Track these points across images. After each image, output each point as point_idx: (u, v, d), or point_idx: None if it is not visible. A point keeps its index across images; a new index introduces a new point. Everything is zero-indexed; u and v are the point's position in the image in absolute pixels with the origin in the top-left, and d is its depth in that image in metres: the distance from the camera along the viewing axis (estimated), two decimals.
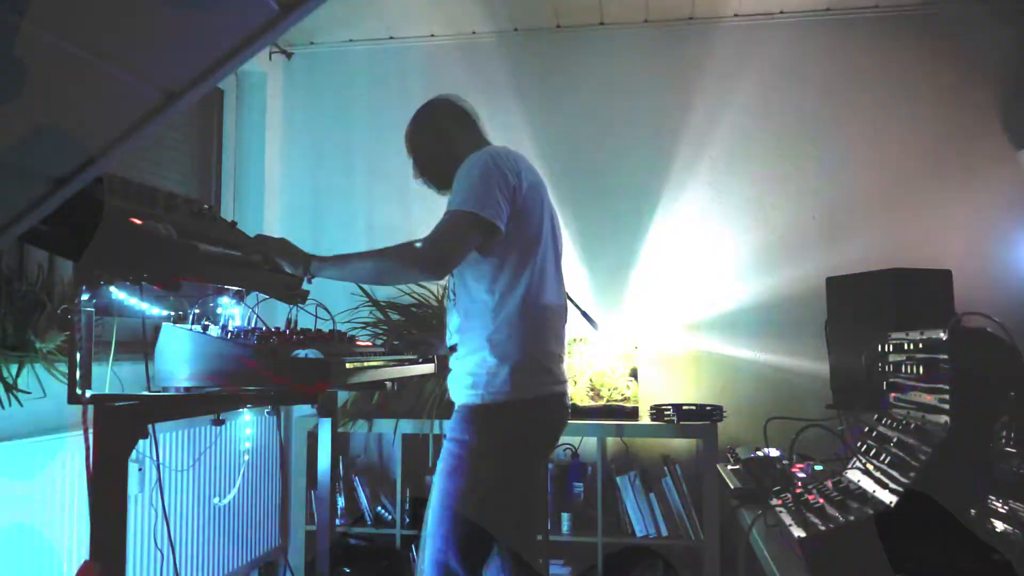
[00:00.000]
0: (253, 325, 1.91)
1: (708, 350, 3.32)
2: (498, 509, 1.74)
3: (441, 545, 1.72)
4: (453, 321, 1.88)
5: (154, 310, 1.74)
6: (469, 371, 1.80)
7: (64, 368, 2.12)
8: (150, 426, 1.49)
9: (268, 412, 2.87)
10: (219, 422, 2.10)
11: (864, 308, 2.56)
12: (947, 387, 1.33)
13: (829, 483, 1.52)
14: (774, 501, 1.59)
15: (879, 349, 1.61)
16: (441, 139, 1.96)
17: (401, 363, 2.03)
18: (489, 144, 1.97)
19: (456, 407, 1.83)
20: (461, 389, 1.82)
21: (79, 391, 1.47)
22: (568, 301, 2.30)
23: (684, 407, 2.99)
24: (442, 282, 2.75)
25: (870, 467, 1.45)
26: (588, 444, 3.24)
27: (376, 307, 3.26)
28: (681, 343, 3.34)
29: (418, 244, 1.72)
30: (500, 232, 1.73)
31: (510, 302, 1.78)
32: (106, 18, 0.57)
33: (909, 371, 1.45)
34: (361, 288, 3.26)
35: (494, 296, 1.79)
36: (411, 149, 2.02)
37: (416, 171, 2.02)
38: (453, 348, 1.87)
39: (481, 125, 2.02)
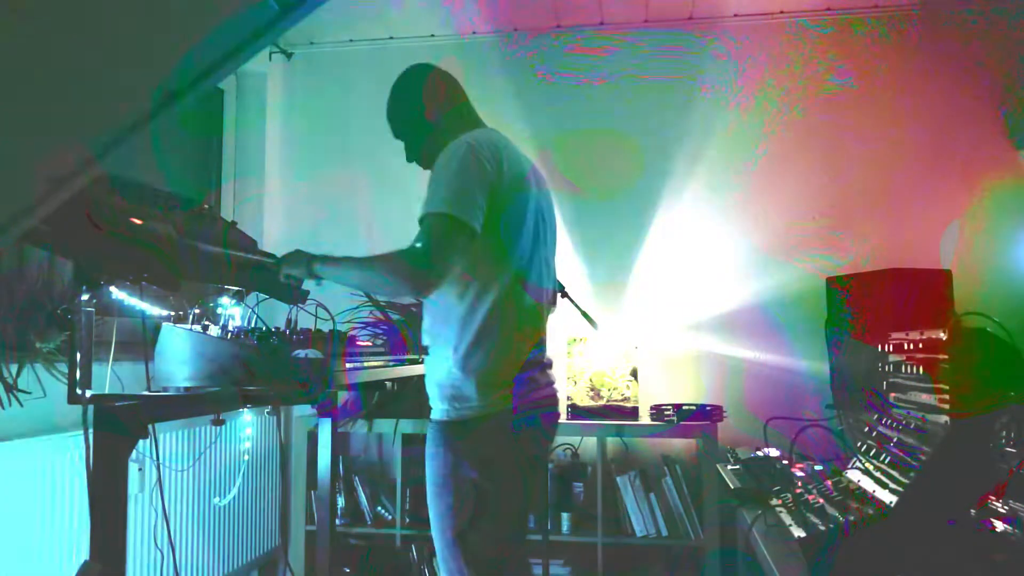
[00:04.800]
0: (253, 325, 1.91)
1: (708, 350, 3.32)
2: (486, 524, 1.64)
3: (453, 567, 1.65)
4: (425, 319, 1.77)
5: (154, 310, 1.74)
6: (437, 381, 1.70)
7: (64, 368, 2.12)
8: (150, 426, 1.49)
9: (268, 412, 2.87)
10: (219, 422, 2.10)
11: (864, 308, 2.56)
12: (947, 387, 1.33)
13: (829, 483, 1.53)
14: (774, 501, 1.59)
15: (879, 349, 1.61)
16: (424, 114, 1.81)
17: (401, 363, 2.03)
18: (478, 125, 1.83)
19: (429, 419, 1.73)
20: (431, 400, 1.73)
21: (79, 391, 1.47)
22: (569, 301, 2.27)
23: (684, 407, 2.99)
24: None
25: (870, 467, 1.45)
26: (588, 444, 3.24)
27: (376, 307, 3.26)
28: (681, 343, 3.34)
29: (404, 252, 1.58)
30: (476, 234, 1.59)
31: (481, 308, 1.65)
32: (106, 17, 0.57)
33: (909, 371, 1.45)
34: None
35: (463, 301, 1.65)
36: (395, 124, 1.88)
37: (406, 151, 1.88)
38: (425, 349, 1.77)
39: (466, 96, 1.87)
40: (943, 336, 1.36)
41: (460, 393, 1.66)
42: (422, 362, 1.85)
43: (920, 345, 1.44)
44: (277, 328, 1.86)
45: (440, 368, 1.70)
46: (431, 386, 1.73)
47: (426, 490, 1.70)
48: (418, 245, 1.57)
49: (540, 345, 1.80)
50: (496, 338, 1.66)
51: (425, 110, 1.83)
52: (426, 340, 1.77)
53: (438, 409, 1.71)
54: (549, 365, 1.83)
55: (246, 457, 2.98)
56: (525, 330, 1.74)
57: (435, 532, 1.69)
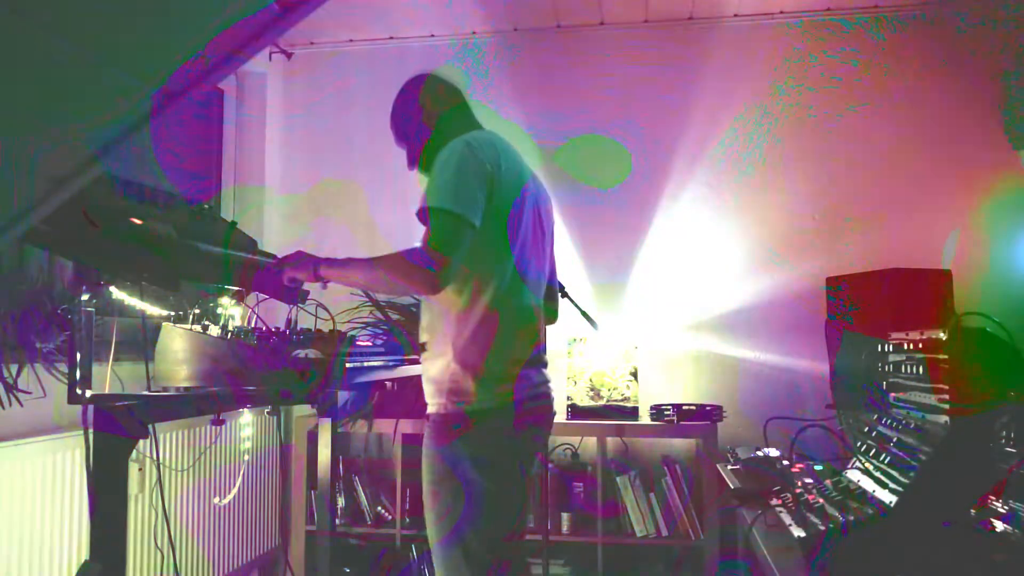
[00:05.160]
0: (253, 325, 1.91)
1: (708, 350, 3.32)
2: (484, 521, 1.64)
3: (451, 567, 1.64)
4: (423, 317, 1.78)
5: (154, 310, 1.74)
6: (435, 377, 1.70)
7: (64, 368, 2.12)
8: (150, 426, 1.49)
9: (268, 412, 2.87)
10: (219, 422, 2.10)
11: (864, 308, 2.56)
12: (947, 387, 1.33)
13: (829, 483, 1.53)
14: (774, 501, 1.59)
15: (879, 349, 1.61)
16: (421, 120, 1.84)
17: (401, 363, 2.03)
18: (477, 127, 1.85)
19: (427, 414, 1.73)
20: (429, 396, 1.73)
21: (79, 391, 1.47)
22: (569, 301, 2.27)
23: (684, 407, 2.99)
24: None
25: (870, 467, 1.45)
26: (588, 444, 3.24)
27: (376, 307, 3.26)
28: (681, 343, 3.34)
29: (412, 251, 1.58)
30: (475, 229, 1.60)
31: (480, 303, 1.66)
32: (105, 18, 0.57)
33: (909, 371, 1.45)
34: None
35: (462, 296, 1.66)
36: (399, 136, 1.90)
37: (409, 161, 1.89)
38: (423, 346, 1.77)
39: (469, 101, 1.90)
40: (943, 336, 1.36)
41: (459, 387, 1.65)
42: (420, 359, 1.85)
43: (920, 345, 1.44)
44: (277, 328, 1.86)
45: (438, 364, 1.70)
46: (428, 383, 1.73)
47: (423, 487, 1.69)
48: (424, 244, 1.57)
49: (538, 344, 1.80)
50: (494, 334, 1.67)
51: (422, 116, 1.85)
52: (424, 337, 1.76)
53: (436, 404, 1.70)
54: (545, 365, 1.84)
55: (246, 457, 2.98)
56: (523, 327, 1.75)
57: (431, 532, 1.68)
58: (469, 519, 1.63)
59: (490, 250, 1.67)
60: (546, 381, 1.82)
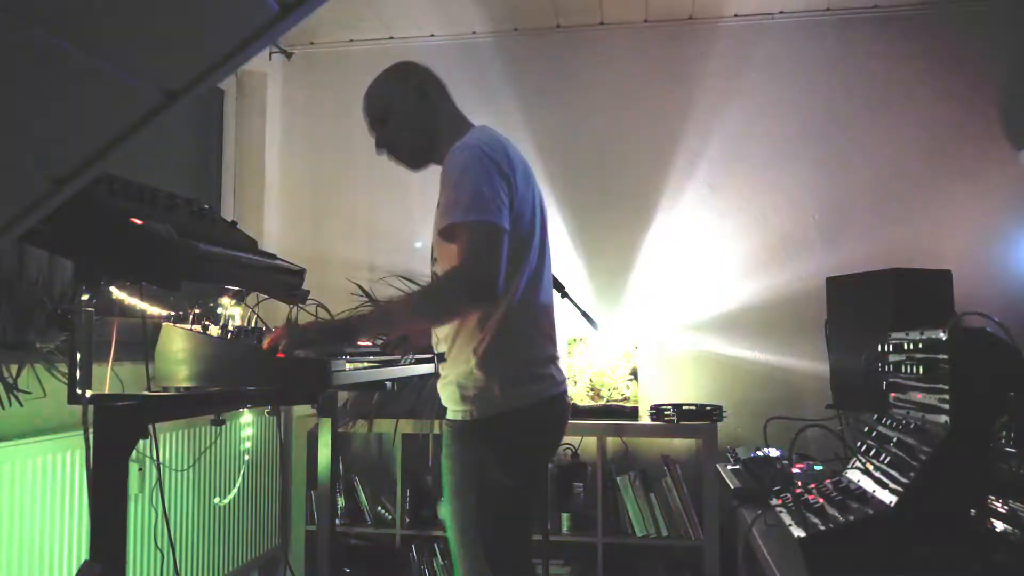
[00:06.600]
0: (253, 325, 1.91)
1: (708, 350, 3.32)
2: (506, 522, 1.66)
3: (472, 566, 1.64)
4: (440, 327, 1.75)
5: (154, 310, 1.75)
6: (457, 383, 1.67)
7: (64, 368, 2.12)
8: (150, 426, 1.49)
9: (268, 412, 2.87)
10: (219, 422, 2.10)
11: (864, 308, 2.56)
12: (947, 387, 1.33)
13: (829, 483, 1.53)
14: (774, 501, 1.59)
15: (879, 349, 1.61)
16: (425, 109, 1.77)
17: (401, 363, 2.03)
18: (470, 125, 1.80)
19: (448, 420, 1.72)
20: (450, 402, 1.71)
21: (79, 391, 1.47)
22: (569, 301, 2.28)
23: (684, 407, 2.99)
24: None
25: (870, 467, 1.45)
26: (588, 444, 3.24)
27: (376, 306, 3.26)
28: (681, 343, 3.34)
29: (458, 272, 1.53)
30: (507, 233, 1.57)
31: (501, 308, 1.64)
32: (105, 17, 0.57)
33: (909, 371, 1.45)
34: (361, 288, 3.26)
35: None
36: (383, 113, 1.78)
37: (384, 144, 1.80)
38: (441, 356, 1.75)
39: (438, 82, 1.83)
40: (943, 336, 1.36)
41: (483, 393, 1.64)
42: (433, 360, 1.84)
43: (920, 345, 1.44)
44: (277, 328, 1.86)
45: (459, 370, 1.67)
46: (449, 388, 1.70)
47: (445, 490, 1.68)
48: (461, 264, 1.53)
49: (554, 341, 1.81)
50: (516, 336, 1.67)
51: (413, 107, 1.78)
52: (442, 347, 1.74)
53: (459, 411, 1.67)
54: (557, 361, 1.83)
55: (246, 457, 2.98)
56: (542, 326, 1.75)
57: (456, 531, 1.67)
58: (493, 518, 1.64)
59: (510, 254, 1.62)
60: (564, 379, 1.82)
